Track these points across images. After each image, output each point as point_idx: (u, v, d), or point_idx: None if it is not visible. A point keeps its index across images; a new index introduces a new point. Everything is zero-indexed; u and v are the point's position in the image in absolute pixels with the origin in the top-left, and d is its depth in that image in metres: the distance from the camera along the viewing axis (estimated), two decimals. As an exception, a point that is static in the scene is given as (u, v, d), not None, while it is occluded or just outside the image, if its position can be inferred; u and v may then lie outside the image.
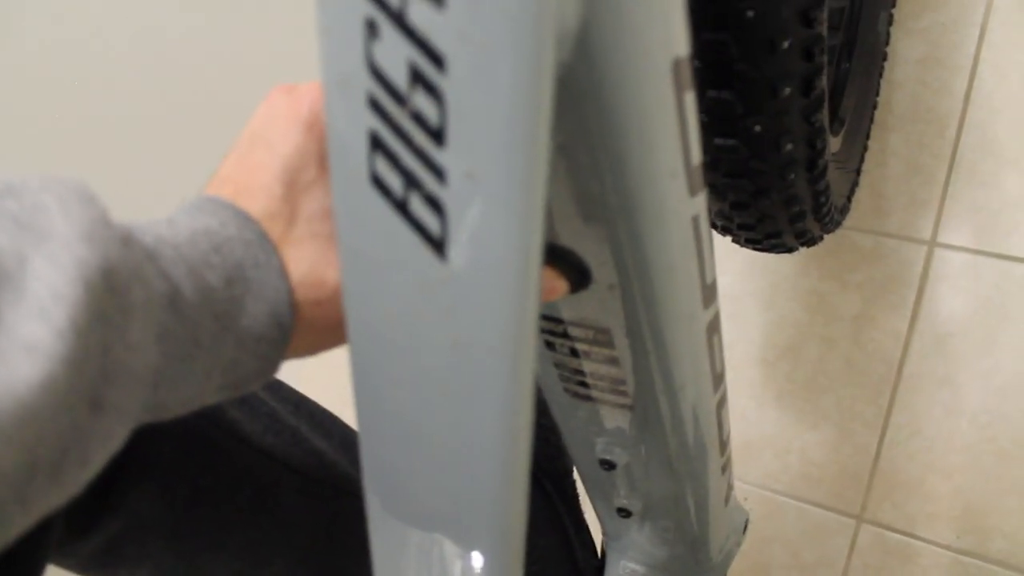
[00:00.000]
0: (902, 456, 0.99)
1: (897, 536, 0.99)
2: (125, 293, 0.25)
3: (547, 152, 0.25)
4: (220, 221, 0.30)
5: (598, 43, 0.28)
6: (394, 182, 0.25)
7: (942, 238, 1.01)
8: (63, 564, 0.47)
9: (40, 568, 0.39)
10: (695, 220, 0.38)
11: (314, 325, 0.32)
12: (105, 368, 0.25)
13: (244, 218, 0.31)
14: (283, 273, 0.31)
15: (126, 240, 0.26)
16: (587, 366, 0.45)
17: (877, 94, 1.02)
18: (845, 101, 0.92)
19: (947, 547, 0.96)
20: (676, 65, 0.31)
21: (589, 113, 0.31)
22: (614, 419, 0.48)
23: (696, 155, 0.36)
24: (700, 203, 0.38)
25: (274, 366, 0.32)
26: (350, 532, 0.54)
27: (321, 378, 0.87)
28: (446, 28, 0.23)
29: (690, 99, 0.33)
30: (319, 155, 0.33)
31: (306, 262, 0.32)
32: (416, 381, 0.28)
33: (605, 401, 0.47)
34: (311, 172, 0.33)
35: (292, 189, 0.32)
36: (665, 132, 0.32)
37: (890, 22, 1.02)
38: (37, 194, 0.25)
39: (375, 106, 0.25)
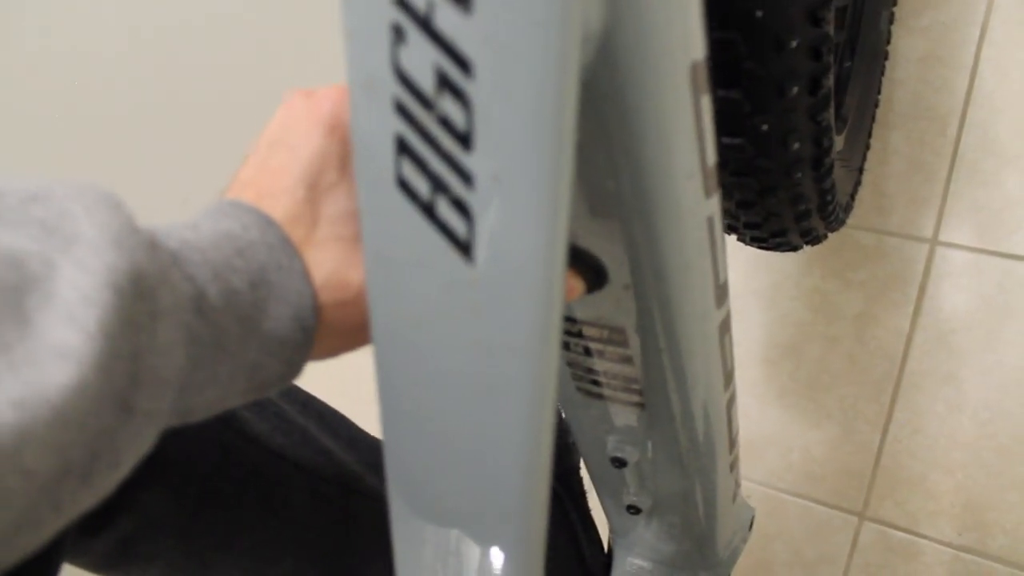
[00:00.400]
0: (904, 453, 0.99)
1: (899, 533, 0.99)
2: (153, 298, 0.25)
3: (572, 155, 0.25)
4: (243, 225, 0.30)
5: (620, 46, 0.28)
6: (421, 185, 0.26)
7: (944, 236, 1.01)
8: (76, 562, 0.47)
9: (56, 567, 0.39)
10: (710, 220, 0.38)
11: (337, 327, 0.32)
12: (134, 372, 0.25)
13: (267, 222, 0.31)
14: (306, 276, 0.31)
15: (152, 245, 0.26)
16: (600, 365, 0.45)
17: (879, 92, 1.02)
18: (848, 99, 0.92)
19: (948, 544, 0.97)
20: (694, 68, 0.31)
21: (609, 114, 0.31)
22: (625, 417, 0.48)
23: (711, 156, 0.36)
24: (714, 204, 0.38)
25: (297, 369, 0.32)
26: (359, 530, 0.54)
27: (325, 376, 0.87)
28: (473, 33, 0.23)
29: (706, 101, 0.33)
30: (341, 157, 0.33)
31: (329, 264, 0.32)
32: (441, 381, 0.29)
33: (617, 399, 0.47)
34: (333, 175, 0.33)
35: (314, 192, 0.32)
36: (683, 134, 0.33)
37: (891, 20, 1.02)
38: (64, 201, 0.26)
39: (401, 110, 0.25)
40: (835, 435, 1.03)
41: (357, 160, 0.27)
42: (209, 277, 0.28)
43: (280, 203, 0.32)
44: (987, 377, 0.96)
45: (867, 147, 1.00)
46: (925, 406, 0.98)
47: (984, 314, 0.98)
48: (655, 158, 0.33)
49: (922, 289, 1.01)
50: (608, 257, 0.38)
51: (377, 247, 0.27)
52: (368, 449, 0.57)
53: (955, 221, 1.01)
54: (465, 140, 0.24)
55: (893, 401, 1.00)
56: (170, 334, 0.26)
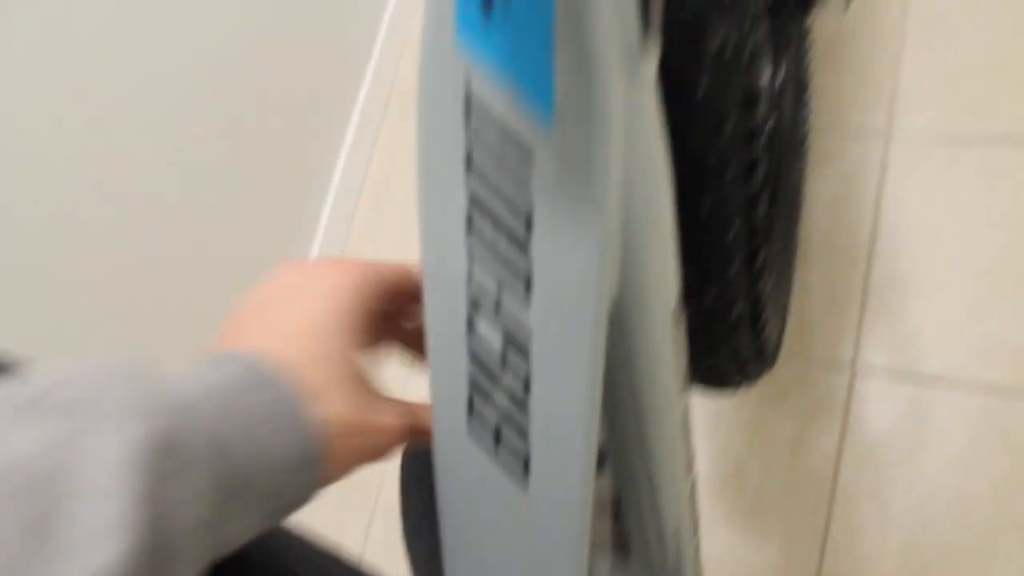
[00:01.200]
0: (843, 568, 1.07)
1: (842, 643, 1.06)
2: (177, 453, 0.29)
3: (600, 403, 0.33)
4: (248, 369, 0.35)
5: (625, 304, 0.37)
6: (486, 436, 0.33)
7: (862, 362, 1.12)
8: None
9: None
10: (684, 409, 0.47)
11: (345, 455, 0.37)
12: (171, 523, 0.28)
13: (273, 365, 0.35)
14: (313, 413, 0.35)
15: (171, 407, 0.30)
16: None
17: (798, 236, 1.14)
18: (772, 245, 1.03)
19: (887, 649, 1.05)
20: (675, 311, 0.40)
21: (613, 344, 0.39)
22: (608, 559, 0.55)
23: (683, 365, 0.45)
24: (687, 397, 0.47)
25: (310, 493, 0.36)
26: None
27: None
28: (532, 316, 0.31)
29: (682, 330, 0.42)
30: (341, 312, 0.38)
31: (342, 402, 0.37)
32: (496, 570, 0.36)
33: (603, 545, 0.54)
34: (352, 320, 0.38)
35: (317, 338, 0.38)
36: (667, 355, 0.41)
37: (803, 174, 1.14)
38: (90, 378, 0.30)
39: (474, 385, 0.33)
40: (778, 556, 1.10)
41: (436, 415, 0.34)
42: (223, 421, 0.32)
43: (290, 348, 0.37)
44: (910, 493, 1.06)
45: (791, 288, 1.11)
46: (857, 522, 1.07)
47: (903, 433, 1.08)
48: (648, 372, 0.41)
49: (846, 412, 1.11)
50: (603, 446, 0.46)
51: (450, 481, 0.35)
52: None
53: (871, 348, 1.12)
54: (521, 404, 0.32)
55: (828, 519, 1.09)
56: (198, 483, 0.30)
